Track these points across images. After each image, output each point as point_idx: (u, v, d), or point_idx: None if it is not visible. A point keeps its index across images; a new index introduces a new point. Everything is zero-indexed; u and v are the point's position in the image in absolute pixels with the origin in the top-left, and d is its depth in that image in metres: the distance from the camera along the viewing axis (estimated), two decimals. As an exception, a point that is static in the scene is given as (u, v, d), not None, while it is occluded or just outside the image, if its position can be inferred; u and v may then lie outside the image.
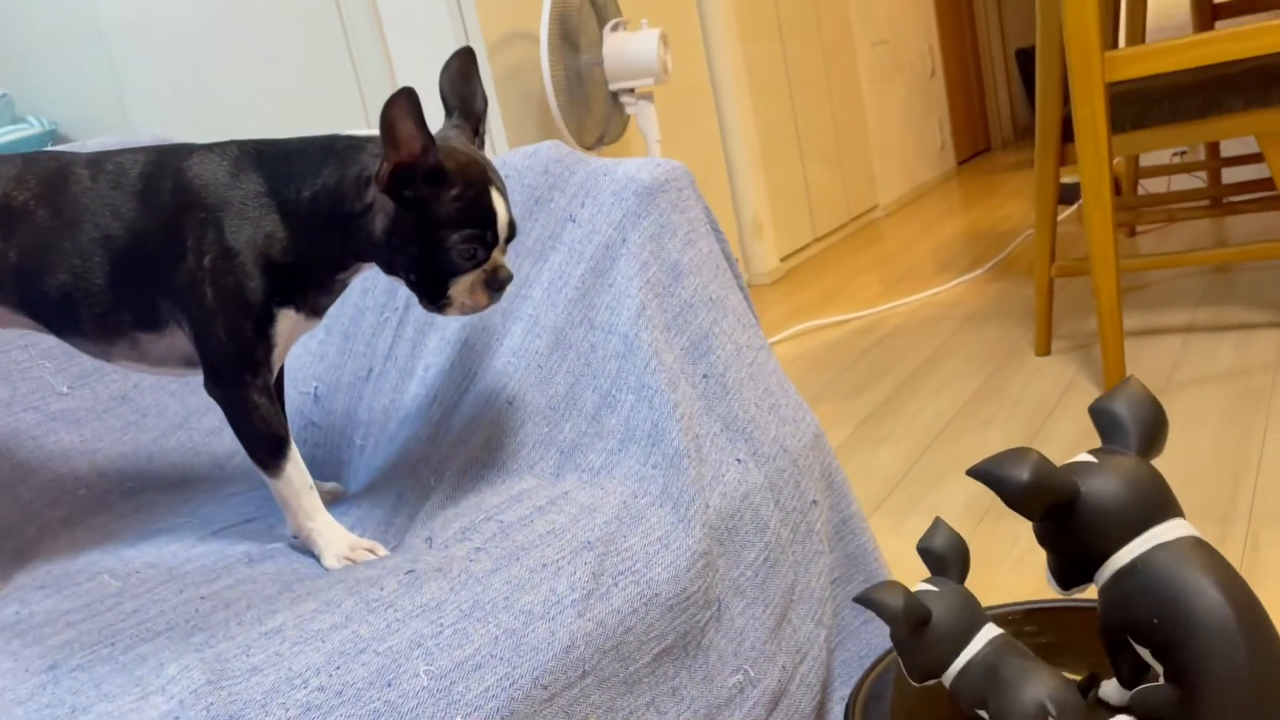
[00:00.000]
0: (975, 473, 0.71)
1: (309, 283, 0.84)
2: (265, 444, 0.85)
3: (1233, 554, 1.21)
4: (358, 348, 1.11)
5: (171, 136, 2.19)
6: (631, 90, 2.39)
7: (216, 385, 0.84)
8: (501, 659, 0.69)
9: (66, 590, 0.88)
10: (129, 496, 1.07)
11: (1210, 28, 2.74)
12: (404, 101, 0.72)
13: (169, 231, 0.82)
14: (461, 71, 0.84)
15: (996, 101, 5.65)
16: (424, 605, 0.73)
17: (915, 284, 2.88)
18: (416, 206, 0.76)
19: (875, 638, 1.05)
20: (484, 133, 0.85)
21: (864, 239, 3.75)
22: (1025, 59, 5.43)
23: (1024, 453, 0.70)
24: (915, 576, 1.34)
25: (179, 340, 0.84)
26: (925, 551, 0.81)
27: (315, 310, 0.86)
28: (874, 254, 3.44)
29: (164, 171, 0.83)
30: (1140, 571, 0.69)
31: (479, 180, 0.78)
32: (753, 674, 0.87)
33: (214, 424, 1.15)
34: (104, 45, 2.72)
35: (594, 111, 2.37)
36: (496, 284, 0.81)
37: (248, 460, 1.08)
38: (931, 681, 0.79)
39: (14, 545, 1.01)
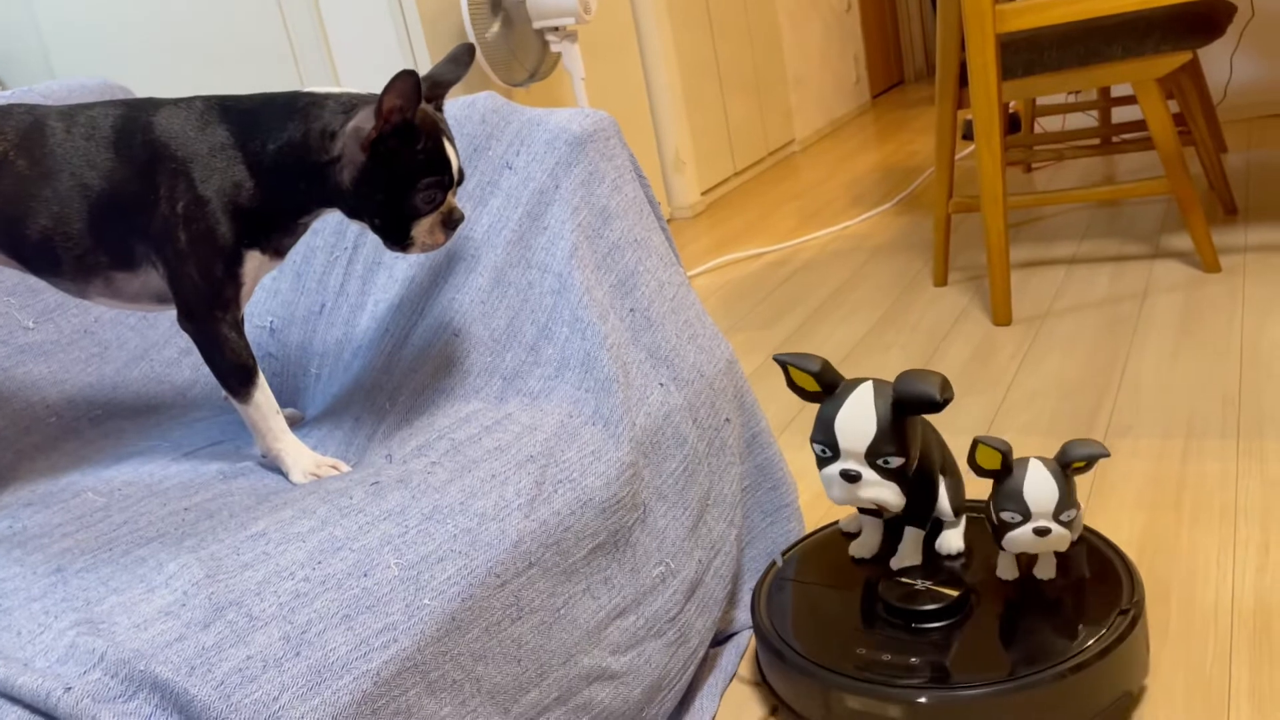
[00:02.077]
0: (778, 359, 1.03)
1: (274, 226, 0.93)
2: (236, 374, 0.94)
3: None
4: (310, 285, 1.20)
5: (93, 65, 2.23)
6: (556, 29, 2.45)
7: (190, 321, 0.93)
8: (460, 553, 0.81)
9: (54, 506, 0.97)
10: (97, 423, 1.16)
11: (1105, -27, 2.89)
12: (415, 80, 0.82)
13: (142, 180, 0.90)
14: (454, 58, 0.94)
15: (910, 35, 5.79)
16: (389, 511, 0.84)
17: (828, 218, 3.02)
18: (386, 159, 0.86)
19: (779, 537, 1.20)
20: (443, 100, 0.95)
21: (781, 173, 3.88)
22: (938, -6, 5.56)
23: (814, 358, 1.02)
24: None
25: (152, 279, 0.93)
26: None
27: (278, 251, 0.96)
28: (791, 188, 3.57)
29: (134, 125, 0.91)
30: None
31: (435, 133, 0.88)
32: (673, 566, 1.00)
33: (173, 355, 1.23)
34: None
35: (523, 50, 2.43)
36: (452, 224, 0.92)
37: (209, 388, 1.18)
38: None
39: (-8, 470, 1.09)
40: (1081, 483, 1.34)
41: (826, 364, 1.03)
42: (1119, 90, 2.97)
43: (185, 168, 0.90)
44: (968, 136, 3.45)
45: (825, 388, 1.02)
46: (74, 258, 0.92)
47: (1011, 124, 3.20)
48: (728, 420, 1.13)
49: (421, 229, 0.90)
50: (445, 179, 0.89)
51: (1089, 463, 0.96)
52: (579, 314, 1.04)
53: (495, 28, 2.37)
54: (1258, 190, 2.44)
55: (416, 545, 0.81)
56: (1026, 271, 2.20)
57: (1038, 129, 3.20)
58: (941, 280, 2.22)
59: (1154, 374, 1.61)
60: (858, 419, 0.99)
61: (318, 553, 0.78)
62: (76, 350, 1.19)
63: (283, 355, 1.21)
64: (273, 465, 0.99)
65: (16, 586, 0.81)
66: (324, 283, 1.19)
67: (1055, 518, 0.96)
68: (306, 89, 0.92)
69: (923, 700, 0.90)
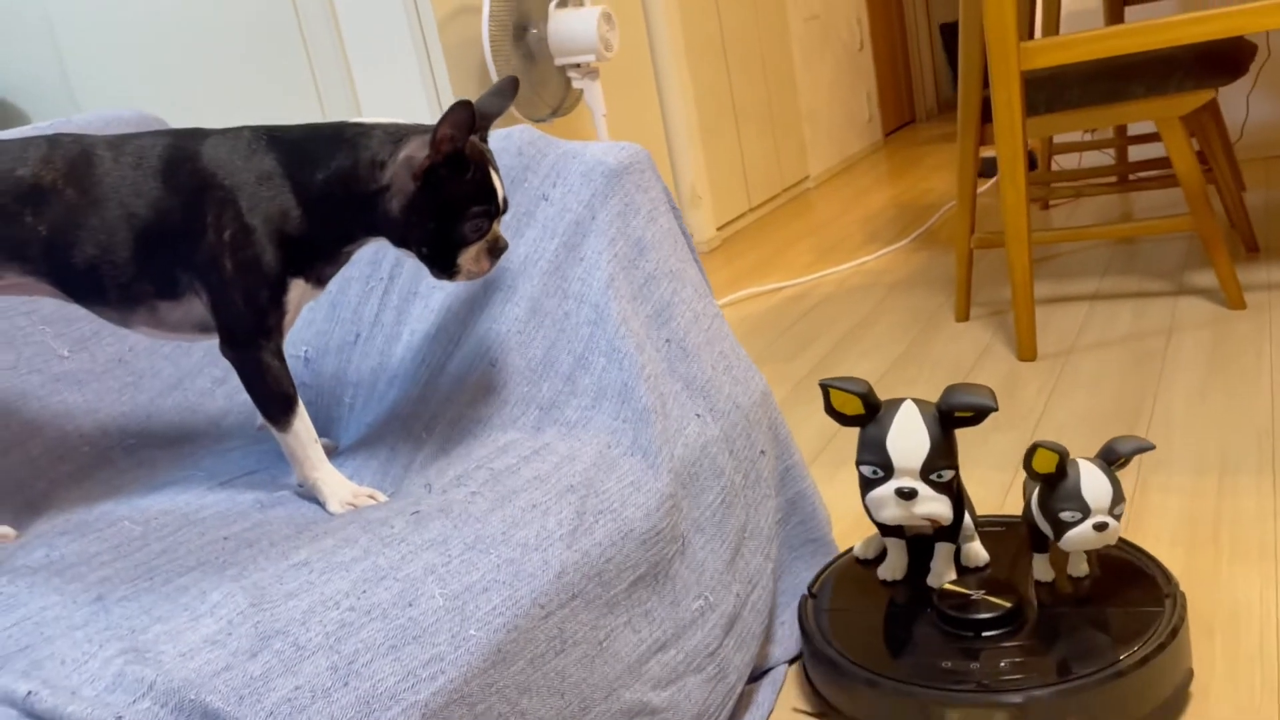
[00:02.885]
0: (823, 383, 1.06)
1: (318, 255, 0.93)
2: (277, 402, 0.94)
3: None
4: (345, 315, 1.20)
5: (119, 99, 2.27)
6: (578, 66, 2.47)
7: (233, 349, 0.93)
8: (504, 583, 0.81)
9: (90, 535, 0.97)
10: (131, 452, 1.15)
11: (1120, 13, 2.91)
12: (470, 111, 0.83)
13: (189, 209, 0.90)
14: (499, 90, 0.96)
15: (921, 75, 5.83)
16: (431, 540, 0.83)
17: (845, 253, 3.03)
18: (436, 188, 0.87)
19: (806, 572, 1.19)
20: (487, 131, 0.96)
21: (796, 209, 3.89)
22: (949, 33, 5.61)
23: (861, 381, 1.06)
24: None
25: (195, 308, 0.93)
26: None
27: (320, 280, 0.96)
28: (806, 224, 3.58)
29: (182, 154, 0.92)
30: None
31: (483, 162, 0.89)
32: (712, 599, 0.99)
33: (206, 385, 1.23)
34: (42, 7, 2.70)
35: (545, 86, 2.45)
36: (496, 251, 0.92)
37: (242, 418, 1.17)
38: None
39: (26, 498, 1.09)
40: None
41: (870, 387, 1.04)
42: (1135, 129, 2.98)
43: (232, 196, 0.90)
44: (984, 174, 3.46)
45: (870, 410, 1.05)
46: (119, 286, 0.92)
47: (1029, 162, 3.21)
48: (763, 452, 1.13)
49: (468, 257, 0.91)
50: (492, 208, 0.90)
51: (1131, 457, 1.02)
52: (616, 344, 1.04)
53: (517, 63, 2.39)
54: (1278, 228, 2.44)
55: (460, 575, 0.80)
56: (1049, 307, 2.20)
57: (1054, 167, 3.21)
58: (963, 315, 2.22)
59: (1184, 410, 1.60)
60: (911, 436, 1.02)
61: (362, 582, 0.78)
62: (110, 379, 1.19)
63: (317, 385, 1.20)
64: (310, 494, 0.98)
65: (57, 615, 0.80)
66: (359, 313, 1.19)
67: (1110, 512, 0.99)
68: (352, 119, 0.93)
69: (1025, 700, 0.91)
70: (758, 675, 1.12)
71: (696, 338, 1.10)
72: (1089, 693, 0.91)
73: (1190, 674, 0.99)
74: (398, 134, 0.89)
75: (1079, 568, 1.06)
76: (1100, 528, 0.99)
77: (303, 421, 0.96)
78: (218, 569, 0.84)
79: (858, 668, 1.00)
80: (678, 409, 1.04)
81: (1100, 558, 1.08)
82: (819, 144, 4.42)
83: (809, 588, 1.14)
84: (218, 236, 0.90)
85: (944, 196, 3.57)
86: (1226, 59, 1.96)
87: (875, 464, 1.04)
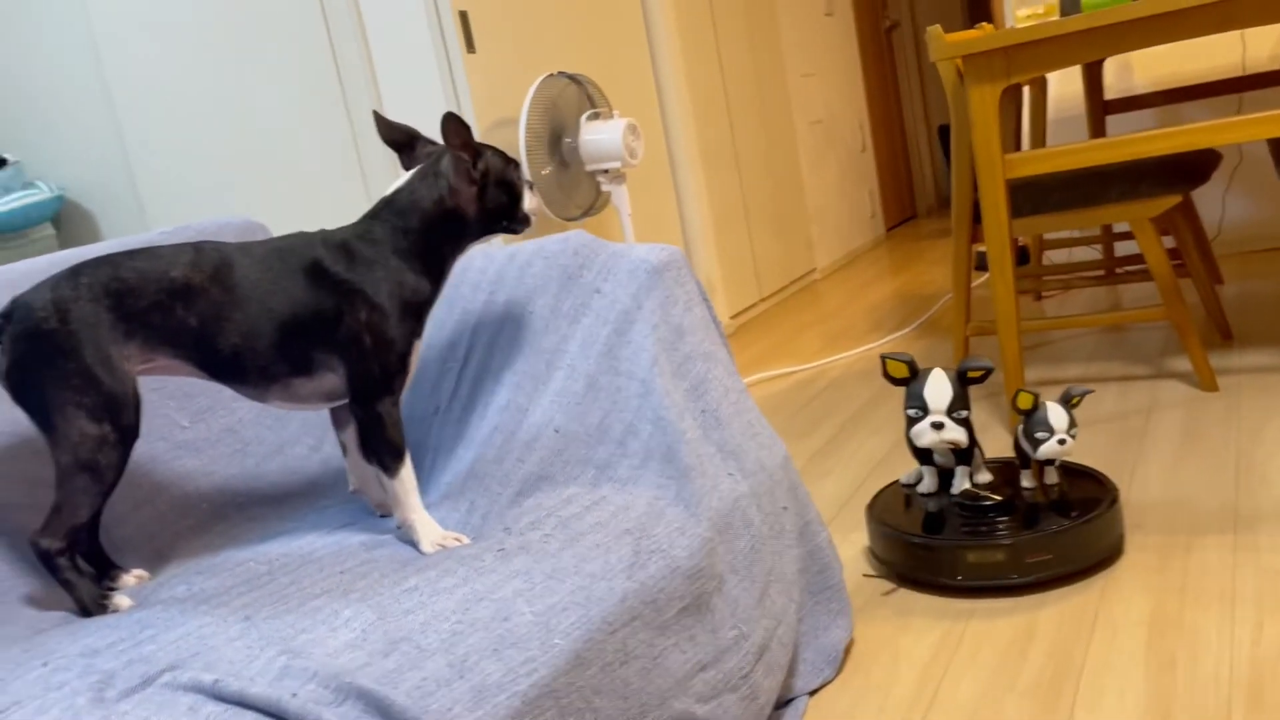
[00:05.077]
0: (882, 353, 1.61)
1: (425, 312, 1.15)
2: (392, 450, 1.13)
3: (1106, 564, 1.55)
4: (425, 390, 1.40)
5: (180, 203, 2.54)
6: (606, 171, 2.72)
7: (363, 407, 1.13)
8: (579, 604, 0.99)
9: (222, 574, 1.15)
10: (242, 509, 1.34)
11: (1102, 120, 3.17)
12: (454, 115, 1.13)
13: (322, 300, 1.11)
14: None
15: (921, 173, 6.13)
16: (517, 571, 1.02)
17: (851, 340, 3.24)
18: (484, 175, 1.17)
19: (824, 615, 1.36)
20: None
21: (804, 299, 4.12)
22: (946, 134, 5.92)
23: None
24: (858, 580, 1.66)
25: (327, 381, 1.13)
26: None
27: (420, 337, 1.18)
28: (814, 313, 3.80)
29: (307, 257, 1.13)
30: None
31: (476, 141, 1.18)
32: (745, 630, 1.17)
33: (303, 451, 1.43)
34: (111, 113, 2.97)
35: (576, 189, 2.70)
36: (533, 188, 1.24)
37: (336, 479, 1.37)
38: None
39: (155, 547, 1.27)
40: (1097, 568, 1.50)
41: (914, 358, 1.63)
42: (1120, 226, 3.21)
43: (358, 285, 1.11)
44: (980, 267, 3.69)
45: (913, 373, 1.63)
46: (259, 369, 1.12)
47: (1021, 256, 3.44)
48: (785, 508, 1.31)
49: (528, 204, 1.22)
50: (511, 157, 1.21)
51: (1082, 398, 1.63)
52: (660, 414, 1.23)
53: (550, 169, 2.64)
54: (1252, 317, 2.64)
55: (544, 597, 0.98)
56: (1039, 389, 2.39)
57: (1046, 260, 3.44)
58: (961, 397, 2.41)
59: (1159, 481, 1.78)
60: (940, 387, 1.61)
61: (464, 602, 0.96)
62: (223, 446, 1.39)
63: (400, 451, 1.39)
64: (406, 536, 1.17)
65: (214, 631, 0.98)
66: (438, 388, 1.39)
67: (1068, 432, 1.58)
68: (390, 189, 1.19)
69: (1014, 543, 1.49)
70: (782, 704, 1.29)
71: (727, 409, 1.30)
72: (1055, 537, 1.48)
73: (1122, 538, 1.57)
74: (424, 172, 1.17)
75: (1050, 478, 1.64)
76: (1062, 442, 1.58)
77: (408, 470, 1.15)
78: (342, 594, 1.02)
79: (909, 535, 1.56)
80: (713, 468, 1.23)
81: (1064, 470, 1.68)
82: (825, 238, 4.67)
83: (869, 504, 1.69)
84: (355, 319, 1.10)
85: (943, 288, 3.80)
86: (1192, 168, 2.19)
87: (917, 407, 1.61)
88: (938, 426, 1.59)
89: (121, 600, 1.08)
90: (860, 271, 4.55)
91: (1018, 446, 1.64)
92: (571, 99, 2.69)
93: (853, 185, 5.09)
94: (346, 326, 1.10)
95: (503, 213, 1.21)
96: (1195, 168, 2.21)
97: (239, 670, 0.87)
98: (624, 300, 1.32)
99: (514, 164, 1.22)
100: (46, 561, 1.06)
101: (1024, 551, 1.48)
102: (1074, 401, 1.61)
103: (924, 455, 1.69)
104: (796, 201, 4.40)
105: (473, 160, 1.17)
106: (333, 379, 1.13)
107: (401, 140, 1.23)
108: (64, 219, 3.20)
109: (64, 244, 3.19)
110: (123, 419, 1.05)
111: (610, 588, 1.02)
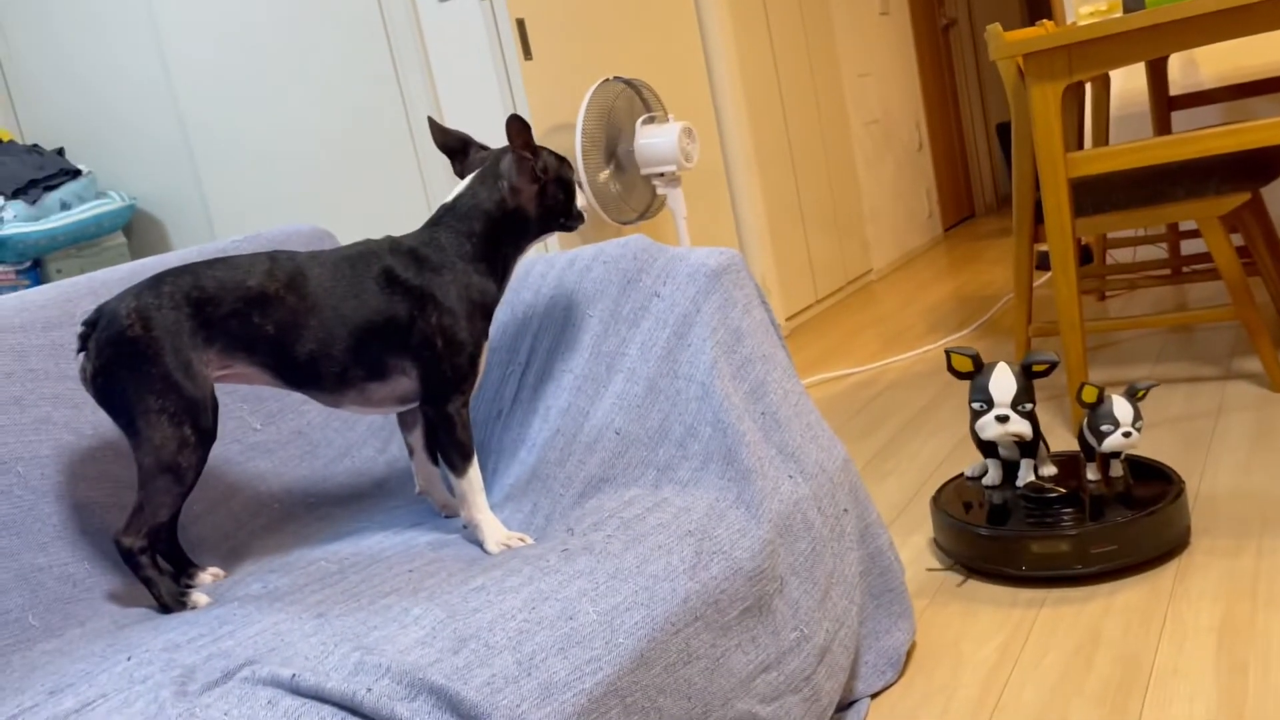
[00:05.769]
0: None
1: (493, 311, 1.17)
2: (460, 450, 1.16)
3: (1173, 564, 1.52)
4: (488, 395, 1.43)
5: (246, 211, 2.61)
6: (661, 175, 2.73)
7: (435, 407, 1.15)
8: (642, 605, 1.00)
9: (295, 572, 1.18)
10: (312, 509, 1.38)
11: (1167, 116, 3.11)
12: (517, 116, 1.16)
13: (394, 306, 1.14)
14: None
15: (979, 172, 6.05)
16: (580, 571, 1.03)
17: (909, 342, 3.21)
18: (544, 172, 1.20)
19: (885, 619, 1.36)
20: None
21: (861, 301, 4.10)
22: (1005, 132, 5.84)
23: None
24: (923, 577, 1.65)
25: (400, 384, 1.16)
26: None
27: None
28: (870, 314, 3.78)
29: (376, 262, 1.15)
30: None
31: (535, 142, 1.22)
32: (806, 632, 1.17)
33: (371, 454, 1.46)
34: (180, 125, 3.05)
35: (632, 193, 2.71)
36: (583, 187, 1.29)
37: (403, 481, 1.39)
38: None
39: (230, 546, 1.31)
40: (1165, 570, 1.47)
41: (978, 353, 1.66)
42: (1187, 224, 3.15)
43: (429, 290, 1.14)
44: (1042, 266, 3.64)
45: (977, 367, 1.65)
46: (334, 374, 1.15)
47: (1084, 256, 3.39)
48: (846, 510, 1.31)
49: (580, 202, 1.25)
50: (565, 158, 1.24)
51: (1149, 390, 1.64)
52: (720, 416, 1.24)
53: (607, 173, 2.66)
54: (1325, 316, 2.57)
55: (607, 597, 1.00)
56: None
57: (1110, 259, 3.38)
58: (1023, 399, 2.38)
59: (1229, 483, 1.75)
60: (1005, 380, 1.62)
61: (530, 601, 0.98)
62: (293, 448, 1.43)
63: (464, 453, 1.42)
64: (472, 536, 1.19)
65: (290, 627, 1.01)
66: (500, 393, 1.41)
67: (1133, 425, 1.59)
68: (451, 194, 1.22)
69: (1079, 533, 1.50)
70: (844, 706, 1.29)
71: (787, 411, 1.30)
72: (1120, 528, 1.49)
73: (1188, 530, 1.56)
74: (483, 176, 1.21)
75: (1115, 471, 1.64)
76: (1127, 435, 1.58)
77: (475, 469, 1.17)
78: (411, 593, 1.04)
79: (974, 526, 1.58)
80: (773, 471, 1.24)
81: (1129, 463, 1.68)
82: (881, 239, 4.64)
83: (934, 495, 1.72)
84: (427, 323, 1.13)
85: (1003, 288, 3.75)
86: (1261, 164, 2.15)
87: (982, 400, 1.63)
88: (1002, 419, 1.60)
89: (199, 597, 1.12)
90: (917, 272, 4.51)
91: (1082, 440, 1.65)
92: (627, 103, 2.71)
93: (909, 185, 5.04)
94: (419, 330, 1.13)
95: (559, 210, 1.25)
96: (1264, 164, 2.16)
97: (315, 665, 0.90)
98: (683, 304, 1.33)
99: (567, 162, 1.26)
100: (129, 559, 1.10)
101: (1089, 542, 1.49)
102: (1139, 395, 1.61)
103: (989, 448, 1.69)
104: (852, 202, 4.38)
105: (535, 160, 1.21)
106: (405, 383, 1.16)
107: (455, 145, 1.26)
108: (135, 228, 3.29)
109: (135, 252, 3.29)
110: (202, 422, 1.09)
111: (673, 588, 1.03)
